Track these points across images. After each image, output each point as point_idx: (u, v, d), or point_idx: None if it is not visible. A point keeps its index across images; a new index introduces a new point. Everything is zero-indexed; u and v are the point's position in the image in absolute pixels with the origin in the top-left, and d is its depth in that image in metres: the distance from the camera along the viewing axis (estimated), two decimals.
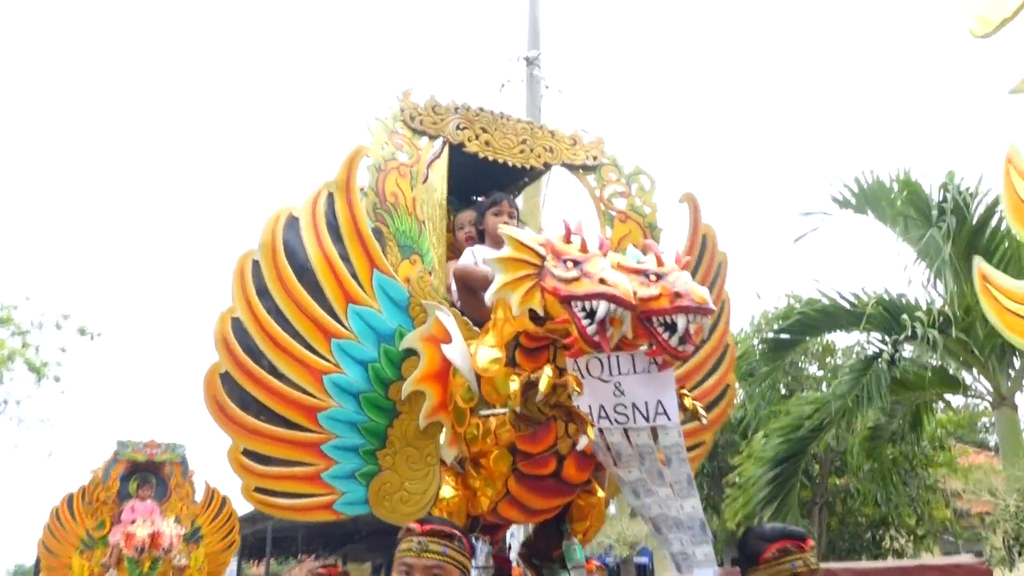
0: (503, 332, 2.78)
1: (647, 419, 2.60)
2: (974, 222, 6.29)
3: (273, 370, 2.83)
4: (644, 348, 2.61)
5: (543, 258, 2.55)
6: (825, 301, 6.77)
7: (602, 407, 2.62)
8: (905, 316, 6.02)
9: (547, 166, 3.72)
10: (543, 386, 2.42)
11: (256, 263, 2.86)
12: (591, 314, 2.39)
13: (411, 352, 2.92)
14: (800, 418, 6.75)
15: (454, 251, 3.65)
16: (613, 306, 2.36)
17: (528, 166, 3.66)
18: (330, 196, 2.99)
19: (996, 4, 2.23)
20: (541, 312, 2.52)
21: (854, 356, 10.46)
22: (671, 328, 2.47)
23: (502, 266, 2.57)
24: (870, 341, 7.24)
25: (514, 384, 2.53)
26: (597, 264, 2.46)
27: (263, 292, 2.85)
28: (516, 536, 5.18)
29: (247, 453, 2.81)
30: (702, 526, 2.63)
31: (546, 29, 9.58)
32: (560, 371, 2.61)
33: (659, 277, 2.52)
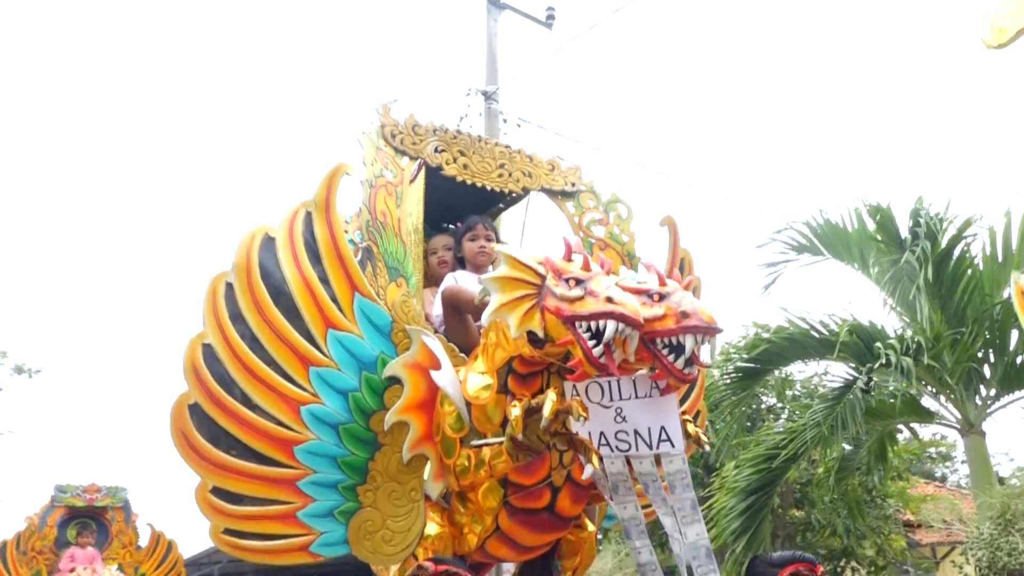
0: (494, 357, 2.64)
1: (650, 446, 2.48)
2: (942, 247, 6.39)
3: (247, 400, 2.64)
4: (645, 372, 2.50)
5: (543, 277, 2.42)
6: (792, 330, 6.79)
7: (603, 434, 2.50)
8: (878, 344, 6.05)
9: (525, 191, 3.62)
10: (547, 411, 2.28)
11: (229, 286, 2.67)
12: (597, 335, 2.27)
13: (394, 380, 2.76)
14: (772, 447, 6.72)
15: (427, 278, 3.51)
16: (622, 326, 2.25)
17: (507, 191, 3.56)
18: (308, 215, 2.83)
19: (1017, 12, 2.20)
20: (541, 334, 2.39)
21: (814, 386, 10.53)
22: (677, 350, 2.36)
23: (499, 286, 2.43)
24: (831, 374, 7.26)
25: (515, 410, 2.39)
26: (602, 283, 2.35)
27: (236, 317, 2.67)
28: None
29: (216, 491, 2.60)
30: (707, 553, 2.51)
31: (504, 62, 9.57)
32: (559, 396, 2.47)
33: (662, 297, 2.42)
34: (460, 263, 3.49)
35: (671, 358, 2.37)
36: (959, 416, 6.65)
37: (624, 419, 2.50)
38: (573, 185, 3.63)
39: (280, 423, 2.66)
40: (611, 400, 2.50)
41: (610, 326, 2.25)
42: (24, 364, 16.22)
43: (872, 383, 6.13)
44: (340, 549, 2.71)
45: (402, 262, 3.10)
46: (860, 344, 6.27)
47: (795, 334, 6.83)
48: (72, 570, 8.75)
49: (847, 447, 7.86)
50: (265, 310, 2.69)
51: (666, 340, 2.37)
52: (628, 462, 2.52)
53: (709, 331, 2.34)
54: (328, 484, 2.70)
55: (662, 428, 2.50)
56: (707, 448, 2.68)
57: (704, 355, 2.41)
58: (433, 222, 3.66)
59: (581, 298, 2.33)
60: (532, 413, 2.37)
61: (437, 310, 3.24)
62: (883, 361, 5.90)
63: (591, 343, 2.28)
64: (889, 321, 6.88)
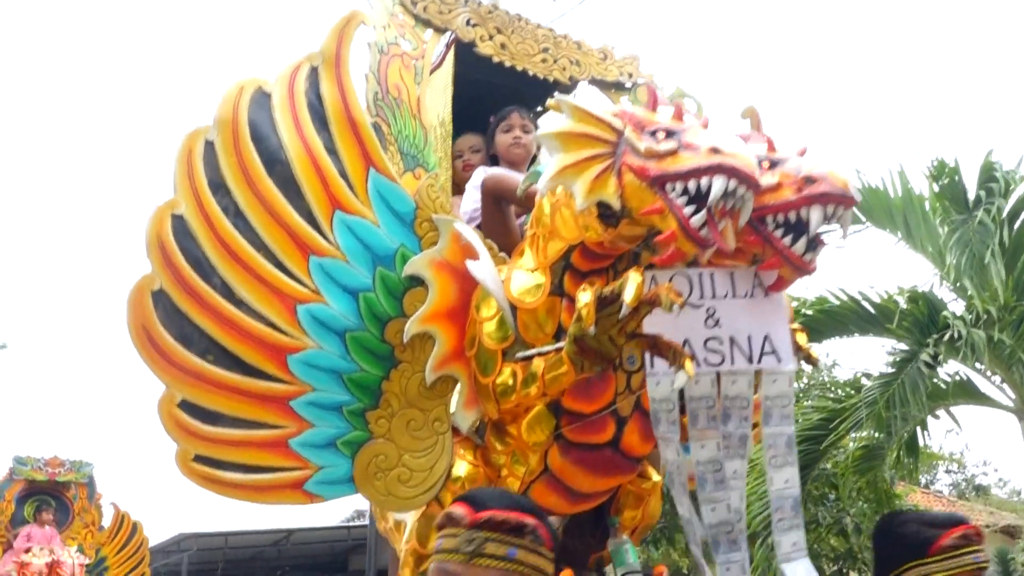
0: (547, 250, 2.12)
1: (750, 359, 1.96)
2: (1012, 207, 5.90)
3: (228, 292, 2.10)
4: (745, 266, 1.98)
5: (619, 133, 1.89)
6: (835, 302, 6.29)
7: (688, 342, 1.97)
8: (945, 313, 5.55)
9: (573, 81, 3.10)
10: (629, 296, 1.74)
11: (210, 145, 2.12)
12: (696, 198, 1.75)
13: (417, 282, 2.23)
14: (808, 428, 6.23)
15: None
16: (733, 183, 1.72)
17: (551, 79, 3.04)
18: (314, 71, 2.28)
19: None
20: (616, 205, 1.86)
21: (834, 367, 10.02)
22: (795, 229, 1.85)
23: (561, 143, 1.90)
24: (888, 348, 6.73)
25: (585, 295, 1.85)
26: (701, 134, 1.82)
27: (218, 185, 2.12)
28: None
29: (187, 406, 2.05)
30: (794, 506, 1.99)
31: None
32: None
33: (774, 164, 1.90)
34: (492, 163, 2.97)
35: (786, 241, 1.86)
36: (1015, 397, 6.17)
37: (717, 323, 1.97)
38: (630, 76, 3.10)
39: (271, 324, 2.12)
40: (701, 298, 1.97)
41: (717, 183, 1.72)
42: None
43: (939, 357, 5.62)
44: (343, 489, 2.17)
45: (422, 151, 2.59)
46: (922, 314, 5.77)
47: (837, 307, 6.33)
48: (27, 550, 8.16)
49: (879, 435, 7.37)
50: (255, 180, 2.14)
51: (779, 218, 1.86)
52: (719, 380, 1.99)
53: (844, 200, 1.82)
54: (330, 406, 2.16)
55: (766, 337, 1.97)
56: (820, 366, 2.15)
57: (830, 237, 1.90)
58: (457, 125, 3.14)
59: (674, 152, 1.80)
60: (606, 304, 1.84)
61: (468, 207, 2.71)
62: (951, 334, 5.39)
63: (688, 210, 1.76)
64: (942, 293, 6.39)
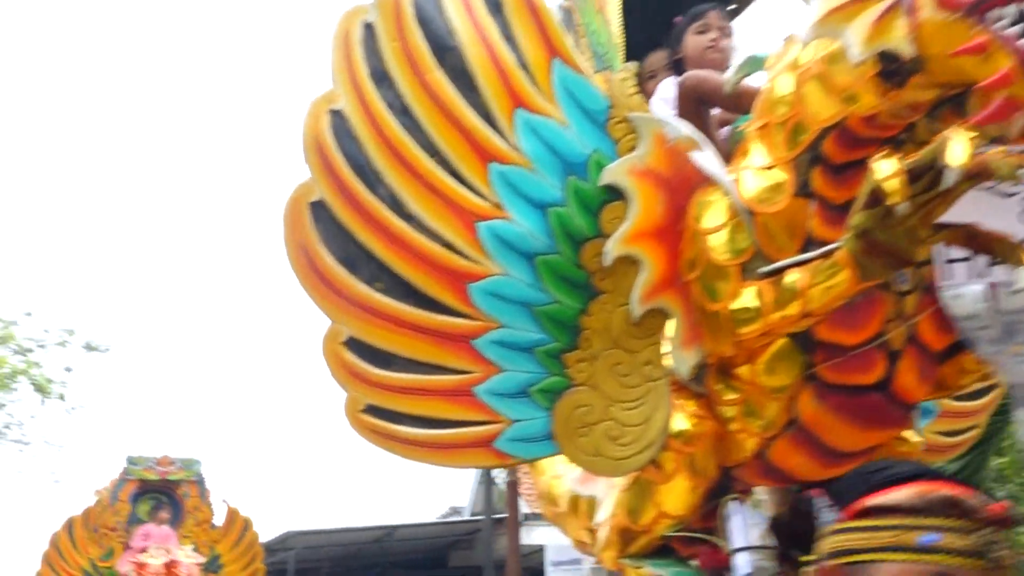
0: (787, 142, 1.68)
1: None
2: None
3: (396, 204, 1.73)
4: None
5: None
6: None
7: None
8: None
9: None
10: (959, 157, 1.28)
11: (369, 29, 1.76)
12: None
13: (615, 194, 1.81)
14: None
15: None
16: None
17: None
18: None
19: None
20: (909, 51, 1.40)
21: None
22: None
23: None
24: None
25: (886, 165, 1.39)
26: None
27: (381, 77, 1.76)
28: None
29: (354, 344, 1.70)
30: None
31: None
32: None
33: None
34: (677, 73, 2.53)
35: None
36: None
37: None
38: None
39: (447, 245, 1.75)
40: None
41: None
42: (93, 342, 16.07)
43: None
44: (541, 448, 1.77)
45: (608, 51, 2.19)
46: None
47: None
48: (144, 550, 8.15)
49: None
50: (423, 70, 1.77)
51: None
52: None
53: None
54: (521, 346, 1.77)
55: None
56: None
57: None
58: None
59: None
60: (914, 178, 1.38)
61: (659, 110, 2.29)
62: None
63: None
64: None
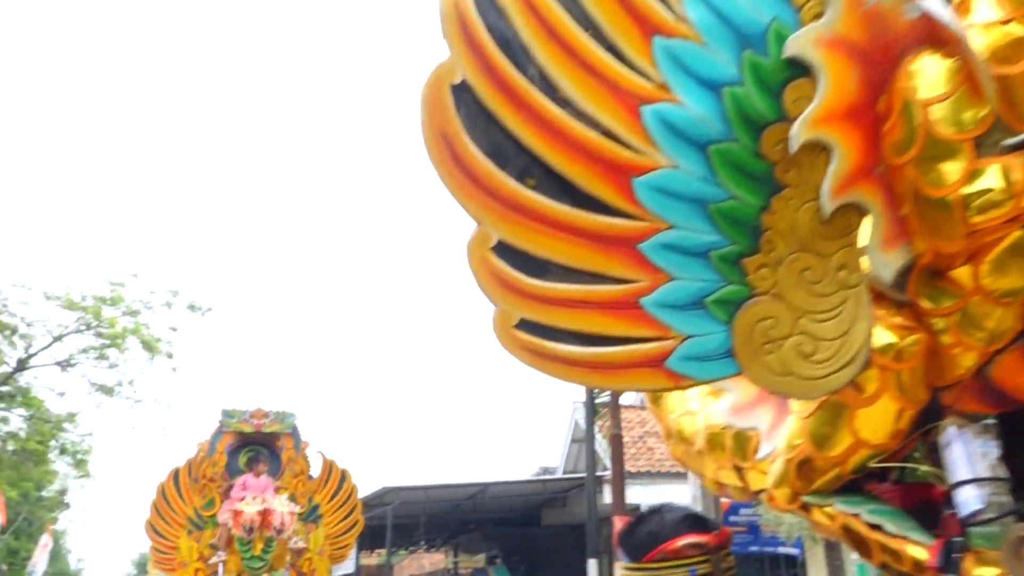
0: None
1: None
2: None
3: (548, 86, 1.49)
4: None
5: None
6: None
7: None
8: None
9: None
10: None
11: None
12: None
13: (800, 70, 1.53)
14: None
15: None
16: None
17: None
18: None
19: None
20: None
21: None
22: None
23: None
24: None
25: None
26: None
27: None
28: None
29: (504, 250, 1.48)
30: None
31: None
32: None
33: None
34: None
35: None
36: None
37: None
38: None
39: (607, 132, 1.50)
40: None
41: None
42: (196, 303, 16.53)
43: None
44: (720, 366, 1.53)
45: None
46: None
47: None
48: (242, 498, 8.31)
49: None
50: None
51: None
52: None
53: None
54: (693, 250, 1.52)
55: None
56: None
57: None
58: None
59: None
60: None
61: None
62: None
63: None
64: None
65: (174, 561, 8.31)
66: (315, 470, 9.07)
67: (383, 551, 21.46)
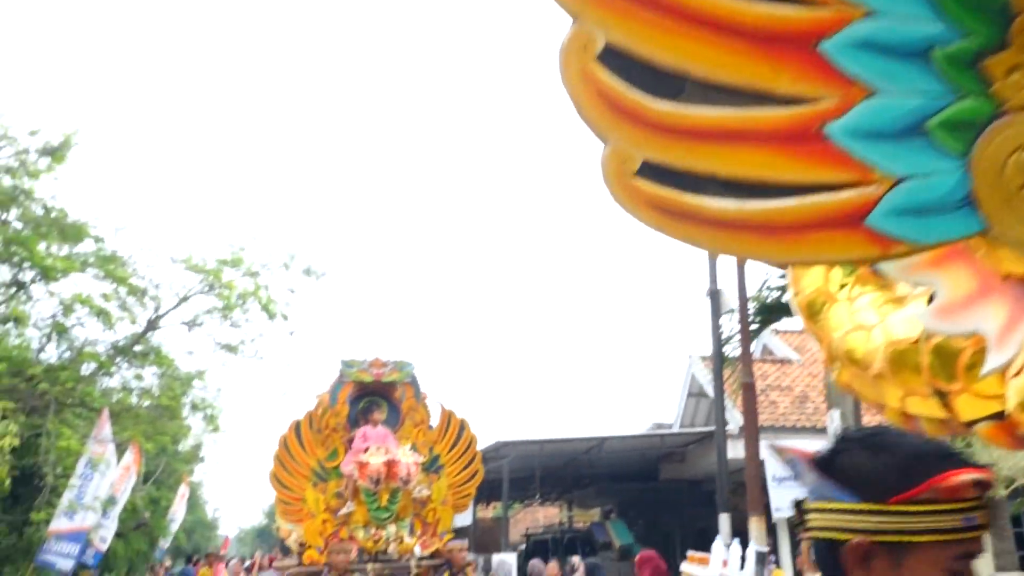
0: None
1: None
2: None
3: None
4: None
5: None
6: None
7: None
8: None
9: None
10: None
11: None
12: None
13: None
14: None
15: None
16: None
17: None
18: None
19: None
20: None
21: None
22: None
23: None
24: None
25: None
26: None
27: None
28: None
29: (616, 58, 1.00)
30: None
31: None
32: None
33: None
34: None
35: None
36: None
37: None
38: None
39: None
40: None
41: None
42: (311, 267, 16.79)
43: None
44: (954, 222, 1.00)
45: None
46: None
47: None
48: (365, 449, 8.22)
49: None
50: None
51: None
52: None
53: None
54: (907, 47, 0.99)
55: None
56: None
57: None
58: None
59: None
60: None
61: None
62: None
63: None
64: None
65: (301, 512, 8.33)
66: (434, 420, 8.92)
67: (498, 504, 21.56)
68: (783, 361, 18.15)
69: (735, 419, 15.92)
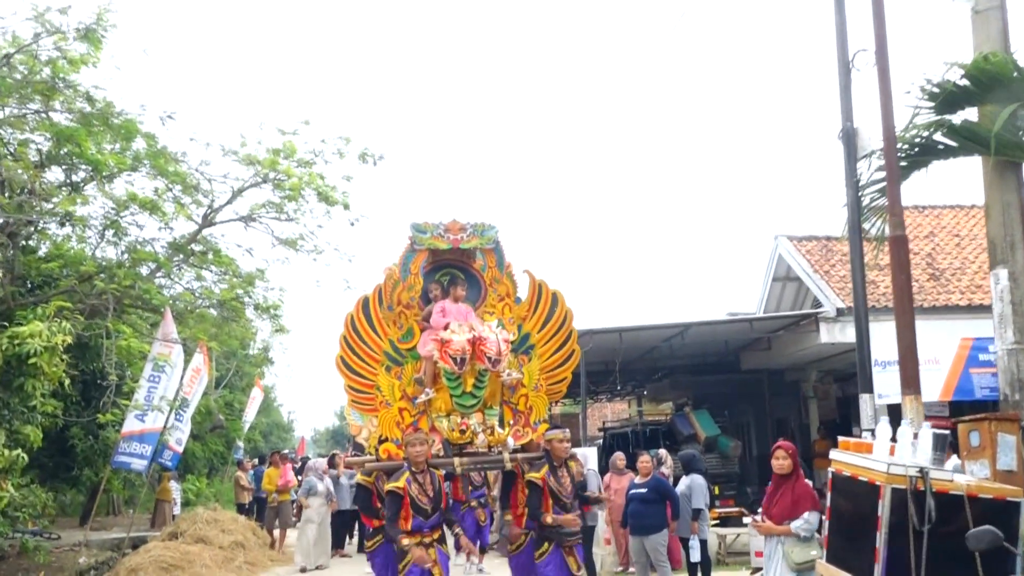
0: None
1: None
2: None
3: None
4: None
5: None
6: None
7: None
8: None
9: None
10: None
11: None
12: None
13: None
14: None
15: None
16: None
17: None
18: None
19: None
20: None
21: None
22: None
23: None
24: None
25: None
26: None
27: None
28: None
29: None
30: None
31: None
32: None
33: None
34: None
35: None
36: None
37: None
38: None
39: None
40: None
41: None
42: (368, 150, 15.09)
43: None
44: None
45: None
46: None
47: None
48: (446, 326, 6.63)
49: None
50: None
51: None
52: None
53: None
54: None
55: None
56: None
57: None
58: None
59: None
60: None
61: None
62: None
63: None
64: None
65: (375, 401, 6.82)
66: (521, 293, 7.26)
67: (565, 400, 20.18)
68: (878, 239, 15.99)
69: (831, 301, 14.08)
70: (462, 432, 6.51)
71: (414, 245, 6.97)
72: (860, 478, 5.28)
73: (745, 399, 19.62)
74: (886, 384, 13.42)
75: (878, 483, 5.05)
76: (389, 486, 6.05)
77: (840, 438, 5.90)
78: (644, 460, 10.13)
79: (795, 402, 18.98)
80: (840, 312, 13.74)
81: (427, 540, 6.08)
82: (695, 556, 9.93)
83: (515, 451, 6.73)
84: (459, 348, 6.34)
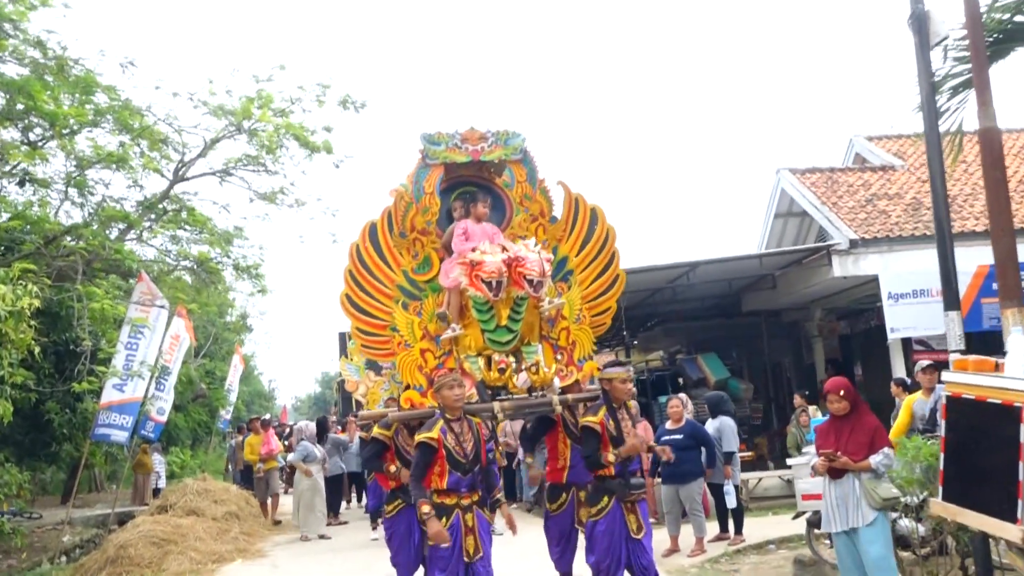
0: None
1: None
2: None
3: None
4: None
5: None
6: None
7: None
8: None
9: None
10: None
11: None
12: None
13: None
14: None
15: None
16: None
17: None
18: None
19: None
20: None
21: None
22: None
23: None
24: None
25: None
26: None
27: None
28: None
29: None
30: None
31: None
32: None
33: None
34: None
35: None
36: None
37: None
38: None
39: None
40: None
41: None
42: (349, 97, 13.62)
43: None
44: None
45: None
46: None
47: None
48: (474, 249, 5.38)
49: None
50: None
51: None
52: None
53: None
54: None
55: None
56: None
57: None
58: None
59: None
60: None
61: None
62: None
63: None
64: None
65: (390, 344, 5.55)
66: (556, 212, 6.02)
67: None
68: (885, 168, 15.00)
69: (843, 232, 13.04)
70: (501, 371, 5.28)
71: (426, 159, 5.65)
72: (991, 399, 4.25)
73: (743, 343, 18.64)
74: (901, 317, 12.53)
75: (1018, 404, 4.05)
76: (421, 436, 4.83)
77: (955, 357, 4.82)
78: (675, 404, 9.04)
79: (793, 344, 18.06)
80: (853, 243, 12.69)
81: (465, 502, 4.90)
82: (731, 502, 8.96)
83: (564, 392, 5.54)
84: (494, 270, 5.09)
